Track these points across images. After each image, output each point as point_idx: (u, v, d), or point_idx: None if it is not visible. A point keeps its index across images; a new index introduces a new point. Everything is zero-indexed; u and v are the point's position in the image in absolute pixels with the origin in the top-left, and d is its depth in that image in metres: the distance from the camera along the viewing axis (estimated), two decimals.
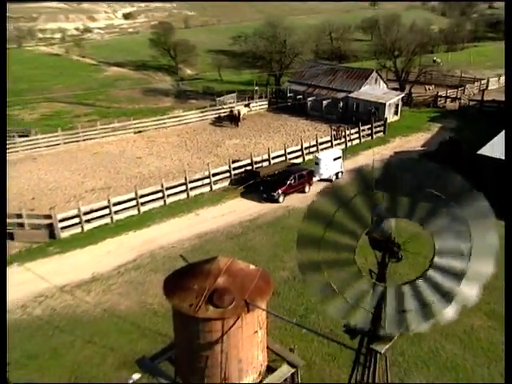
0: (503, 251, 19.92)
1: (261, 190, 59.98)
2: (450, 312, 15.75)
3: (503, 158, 53.49)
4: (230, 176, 64.00)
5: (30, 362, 33.57)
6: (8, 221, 50.77)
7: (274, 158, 67.77)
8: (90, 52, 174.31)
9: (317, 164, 63.24)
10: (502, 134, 60.47)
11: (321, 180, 62.30)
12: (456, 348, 33.29)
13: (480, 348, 33.33)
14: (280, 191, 58.83)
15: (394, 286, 16.53)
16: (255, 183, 61.88)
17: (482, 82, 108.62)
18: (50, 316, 38.86)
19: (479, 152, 56.59)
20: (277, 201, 58.63)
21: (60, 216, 52.09)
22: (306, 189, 61.02)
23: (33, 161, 72.90)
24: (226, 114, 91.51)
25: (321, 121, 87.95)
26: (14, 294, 40.62)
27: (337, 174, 63.44)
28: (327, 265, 16.62)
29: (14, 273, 44.51)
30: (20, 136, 77.36)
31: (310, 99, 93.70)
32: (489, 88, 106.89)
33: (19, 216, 51.88)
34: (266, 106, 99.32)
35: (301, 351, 24.05)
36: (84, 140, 79.76)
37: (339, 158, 64.23)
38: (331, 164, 63.38)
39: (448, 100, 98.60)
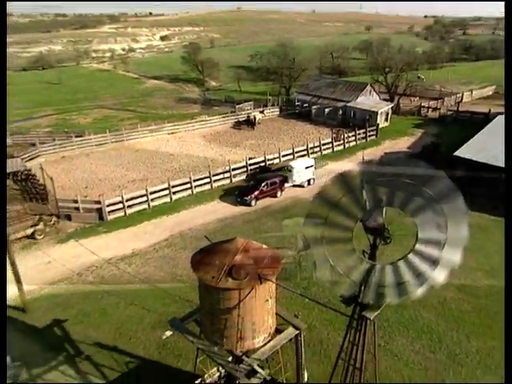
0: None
1: (236, 194, 57.43)
2: (419, 290, 15.97)
3: (474, 159, 53.58)
4: (247, 171, 63.92)
5: (84, 318, 33.98)
6: (66, 205, 52.27)
7: (283, 156, 67.86)
8: (133, 68, 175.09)
9: (290, 171, 60.55)
10: (474, 138, 60.48)
11: (294, 186, 60.26)
12: (431, 316, 33.36)
13: (451, 316, 33.42)
14: (252, 196, 56.13)
15: (380, 265, 16.65)
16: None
17: (458, 95, 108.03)
18: (100, 282, 39.26)
19: (455, 153, 56.44)
20: (249, 204, 55.69)
21: (107, 202, 52.51)
22: (278, 194, 58.24)
23: (86, 156, 73.16)
24: (243, 119, 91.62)
25: (323, 125, 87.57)
26: (71, 264, 41.59)
27: (309, 181, 61.09)
28: (327, 240, 16.73)
29: (71, 247, 45.19)
30: (76, 136, 77.88)
31: (314, 107, 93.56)
32: (463, 101, 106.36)
33: (75, 201, 52.53)
34: (278, 113, 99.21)
35: (303, 317, 24.16)
36: (127, 140, 79.98)
37: (311, 166, 61.59)
38: (303, 171, 60.90)
39: (430, 110, 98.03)
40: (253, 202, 56.03)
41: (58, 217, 51.71)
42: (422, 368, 28.47)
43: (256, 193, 56.56)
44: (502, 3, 28.74)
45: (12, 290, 35.11)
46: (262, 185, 57.32)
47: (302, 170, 60.77)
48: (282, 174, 60.72)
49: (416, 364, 28.82)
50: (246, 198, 55.90)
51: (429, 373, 28.01)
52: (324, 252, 16.62)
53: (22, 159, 66.63)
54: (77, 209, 52.47)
